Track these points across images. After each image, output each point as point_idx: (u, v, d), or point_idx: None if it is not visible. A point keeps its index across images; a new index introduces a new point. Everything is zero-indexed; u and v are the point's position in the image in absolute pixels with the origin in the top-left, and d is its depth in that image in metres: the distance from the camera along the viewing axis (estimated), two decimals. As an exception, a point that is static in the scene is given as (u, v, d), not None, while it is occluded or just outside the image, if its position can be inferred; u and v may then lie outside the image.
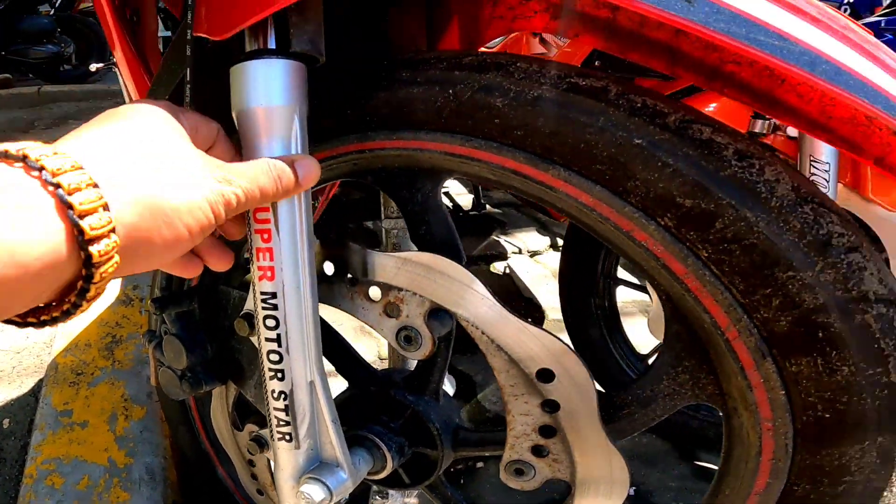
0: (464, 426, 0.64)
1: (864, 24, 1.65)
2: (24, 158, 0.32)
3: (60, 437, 0.97)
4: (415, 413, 0.63)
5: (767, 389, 0.43)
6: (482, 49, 0.91)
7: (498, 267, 1.78)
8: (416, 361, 0.66)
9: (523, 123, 0.47)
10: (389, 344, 0.58)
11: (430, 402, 0.63)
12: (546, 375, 0.48)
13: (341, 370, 0.70)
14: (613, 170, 0.44)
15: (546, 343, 0.48)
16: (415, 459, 0.66)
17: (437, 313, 0.54)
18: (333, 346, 0.70)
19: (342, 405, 0.65)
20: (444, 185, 0.65)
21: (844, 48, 0.37)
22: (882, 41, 1.49)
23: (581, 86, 0.46)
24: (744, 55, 0.38)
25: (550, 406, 0.50)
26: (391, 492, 0.85)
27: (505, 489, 0.67)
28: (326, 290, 0.60)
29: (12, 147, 0.33)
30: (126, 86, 0.81)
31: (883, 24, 1.62)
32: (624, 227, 0.45)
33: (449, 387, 0.84)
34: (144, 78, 0.77)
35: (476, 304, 0.50)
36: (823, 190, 0.91)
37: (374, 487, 0.87)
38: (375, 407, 0.65)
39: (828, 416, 0.42)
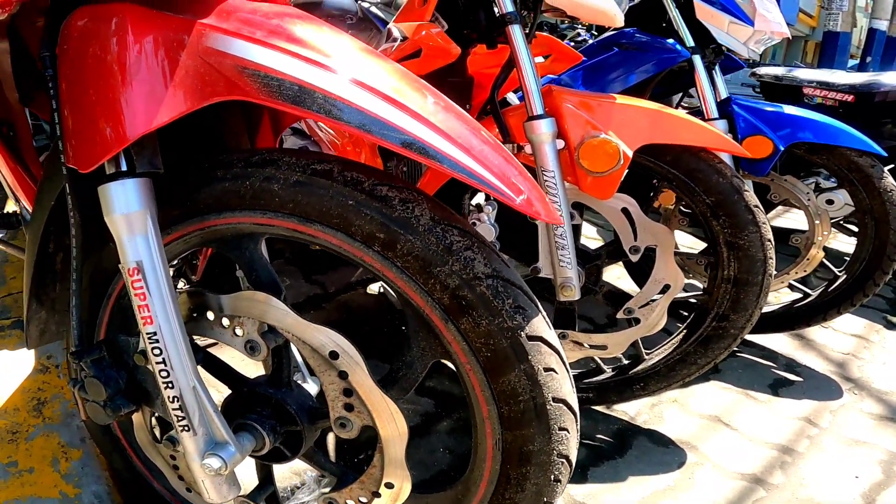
0: (315, 405, 0.89)
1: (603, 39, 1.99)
2: None
3: (12, 484, 1.14)
4: (277, 402, 0.87)
5: (458, 342, 0.69)
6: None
7: (373, 287, 2.05)
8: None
9: (291, 199, 0.73)
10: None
11: (286, 391, 0.88)
12: (333, 355, 0.74)
13: (223, 380, 0.94)
14: (343, 221, 0.70)
15: (329, 335, 0.73)
16: (289, 437, 0.90)
17: (268, 330, 0.79)
18: (215, 365, 0.94)
19: (229, 404, 0.90)
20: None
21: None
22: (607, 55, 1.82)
23: (317, 169, 0.72)
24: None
25: (342, 375, 0.75)
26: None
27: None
28: (195, 325, 0.84)
29: None
30: (13, 191, 1.03)
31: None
32: (357, 255, 0.71)
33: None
34: (28, 181, 0.98)
35: (282, 317, 0.75)
36: (553, 191, 1.19)
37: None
38: (250, 402, 0.90)
39: (489, 354, 0.67)
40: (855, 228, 2.04)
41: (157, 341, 0.75)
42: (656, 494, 1.36)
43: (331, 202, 0.70)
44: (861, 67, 10.43)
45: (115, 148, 0.68)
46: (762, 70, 2.95)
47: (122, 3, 0.70)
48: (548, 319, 0.70)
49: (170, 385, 0.77)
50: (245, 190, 0.76)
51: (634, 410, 1.66)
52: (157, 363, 0.76)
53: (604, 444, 1.52)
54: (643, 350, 1.50)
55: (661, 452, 1.51)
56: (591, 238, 3.02)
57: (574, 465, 0.73)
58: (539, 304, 0.70)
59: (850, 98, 2.56)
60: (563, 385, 0.68)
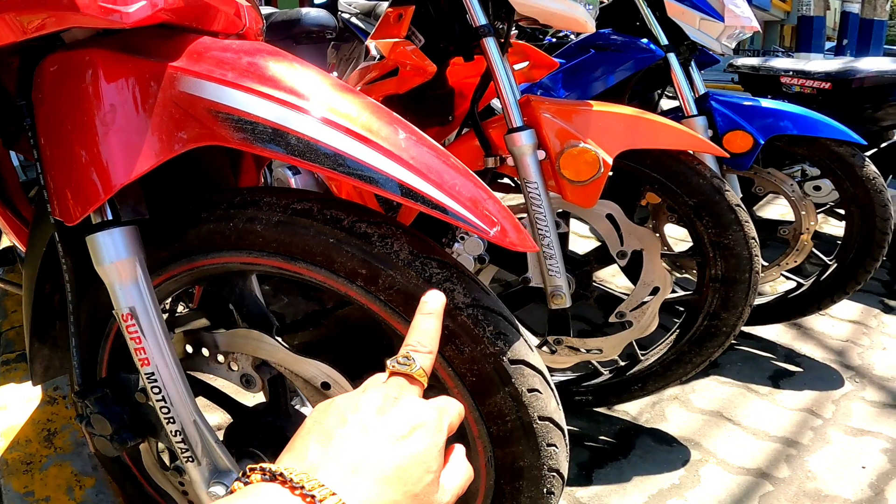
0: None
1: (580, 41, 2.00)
2: (301, 487, 0.34)
3: (31, 512, 1.19)
4: (276, 429, 0.89)
5: (444, 368, 0.70)
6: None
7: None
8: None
9: (275, 239, 0.74)
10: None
11: (284, 419, 0.90)
12: (325, 385, 0.75)
13: (224, 408, 0.96)
14: (326, 258, 0.72)
15: (320, 367, 0.75)
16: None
17: (262, 363, 0.80)
18: (215, 395, 0.95)
19: (230, 432, 0.92)
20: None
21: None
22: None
23: (298, 209, 0.73)
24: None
25: (335, 404, 0.77)
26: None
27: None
28: (192, 362, 0.86)
29: (274, 468, 0.36)
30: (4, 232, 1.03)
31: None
32: (342, 290, 0.72)
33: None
34: (18, 223, 0.99)
35: (273, 352, 0.77)
36: (537, 203, 1.21)
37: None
38: (251, 429, 0.91)
39: (474, 379, 0.69)
40: (843, 212, 2.05)
41: (156, 381, 0.77)
42: (662, 493, 1.37)
43: (313, 241, 0.72)
44: (838, 50, 10.46)
45: (98, 201, 0.69)
46: (740, 61, 2.96)
47: (92, 48, 0.71)
48: (529, 342, 0.72)
49: (171, 420, 0.79)
50: (229, 231, 0.78)
51: (636, 410, 1.68)
52: (158, 401, 0.78)
53: (607, 445, 1.54)
54: (639, 351, 1.52)
55: (665, 451, 1.52)
56: (585, 236, 3.03)
57: (566, 477, 0.74)
58: (520, 328, 0.71)
59: (827, 86, 2.57)
60: (548, 404, 0.70)
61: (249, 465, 0.37)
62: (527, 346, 0.70)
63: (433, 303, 0.52)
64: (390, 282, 0.68)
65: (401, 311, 0.69)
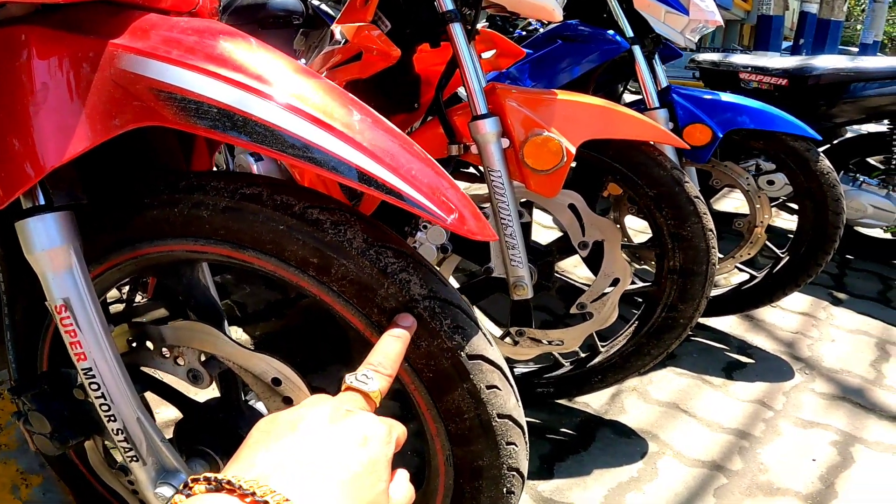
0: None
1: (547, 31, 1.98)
2: (252, 494, 0.31)
3: (-25, 511, 1.12)
4: (229, 426, 0.83)
5: (401, 365, 0.66)
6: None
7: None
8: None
9: (222, 226, 0.69)
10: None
11: (237, 414, 0.84)
12: (276, 381, 0.70)
13: (175, 404, 0.90)
14: (276, 246, 0.66)
15: (270, 362, 0.70)
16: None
17: (211, 358, 0.75)
18: (165, 390, 0.89)
19: (181, 429, 0.86)
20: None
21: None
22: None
23: (247, 194, 0.68)
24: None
25: (286, 401, 0.72)
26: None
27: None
28: (136, 356, 0.80)
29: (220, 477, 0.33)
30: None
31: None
32: (294, 280, 0.67)
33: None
34: None
35: (221, 346, 0.71)
36: (500, 190, 1.17)
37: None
38: (203, 426, 0.86)
39: (431, 375, 0.65)
40: (796, 207, 2.07)
41: (94, 376, 0.71)
42: (622, 487, 1.36)
43: (262, 228, 0.67)
44: (795, 49, 10.69)
45: (27, 183, 0.63)
46: (701, 57, 2.98)
47: (28, 25, 0.65)
48: (489, 336, 0.68)
49: (112, 418, 0.73)
50: (174, 217, 0.72)
51: (596, 402, 1.66)
52: (97, 397, 0.72)
53: (568, 437, 1.52)
54: (599, 343, 1.50)
55: (625, 443, 1.51)
56: (547, 227, 3.02)
57: (526, 477, 0.71)
58: (479, 321, 0.67)
59: (784, 82, 2.60)
60: (507, 401, 0.66)
61: (192, 475, 0.34)
62: (486, 341, 0.66)
63: (401, 327, 0.52)
64: (343, 272, 0.63)
65: (354, 303, 0.64)
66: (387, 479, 0.40)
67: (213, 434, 0.84)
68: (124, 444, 0.74)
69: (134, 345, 0.80)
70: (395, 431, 0.44)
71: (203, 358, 0.76)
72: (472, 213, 0.60)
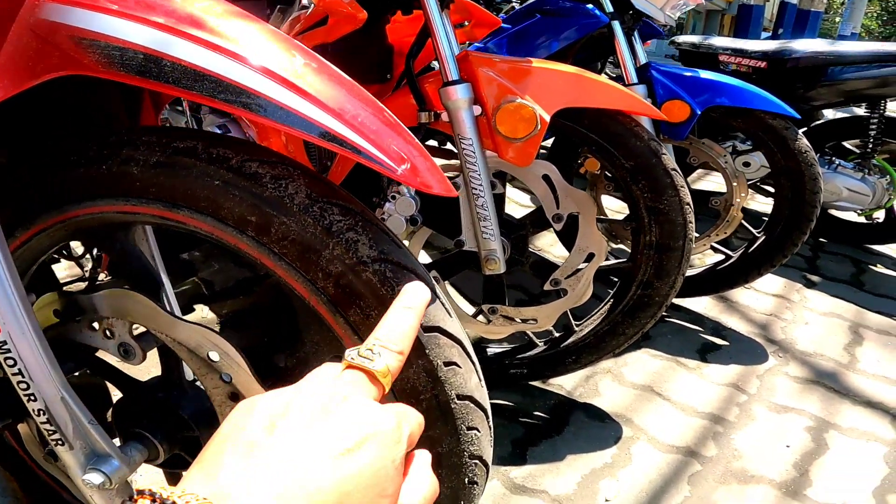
0: (213, 408, 0.78)
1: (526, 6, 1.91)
2: None
3: None
4: (170, 406, 0.76)
5: (349, 337, 0.59)
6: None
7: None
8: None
9: (153, 182, 0.61)
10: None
11: (179, 394, 0.77)
12: (213, 357, 0.63)
13: (114, 383, 0.82)
14: (212, 204, 0.59)
15: (207, 335, 0.62)
16: (189, 443, 0.79)
17: (147, 331, 0.67)
18: (103, 368, 0.81)
19: (119, 410, 0.79)
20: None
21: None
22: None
23: (180, 147, 0.60)
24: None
25: (225, 378, 0.64)
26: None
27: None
28: (64, 329, 0.72)
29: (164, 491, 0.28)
30: None
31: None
32: (232, 242, 0.60)
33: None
34: None
35: (153, 317, 0.64)
36: (472, 159, 1.11)
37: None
38: (142, 407, 0.78)
39: None
40: (771, 189, 2.03)
41: (9, 351, 0.62)
42: (595, 473, 1.31)
43: (195, 183, 0.59)
44: (774, 39, 10.70)
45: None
46: (681, 38, 2.92)
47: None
48: (449, 306, 0.61)
49: (32, 398, 0.65)
50: (102, 175, 0.64)
51: (570, 384, 1.61)
52: (13, 375, 0.64)
53: (541, 421, 1.46)
54: (573, 322, 1.44)
55: (598, 427, 1.46)
56: (524, 205, 2.96)
57: (490, 465, 0.64)
58: (437, 287, 0.60)
59: (762, 64, 2.55)
60: (468, 380, 0.59)
61: (137, 488, 0.27)
62: (444, 311, 0.59)
63: (415, 297, 0.41)
64: (284, 231, 0.56)
65: (297, 267, 0.57)
66: (393, 492, 0.31)
67: (152, 416, 0.77)
68: (47, 427, 0.66)
69: (61, 317, 0.72)
70: (406, 424, 0.34)
71: (137, 331, 0.68)
72: (428, 165, 0.53)
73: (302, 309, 0.62)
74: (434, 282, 0.60)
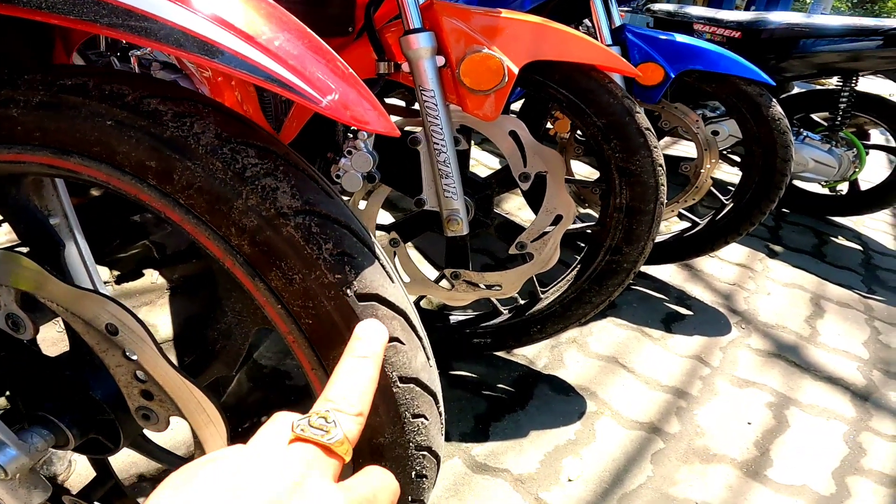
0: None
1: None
2: None
3: None
4: (78, 385, 0.65)
5: (272, 305, 0.49)
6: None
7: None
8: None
9: (38, 126, 0.50)
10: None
11: (89, 372, 0.66)
12: (111, 329, 0.52)
13: (14, 358, 0.70)
14: (105, 148, 0.48)
15: (104, 304, 0.52)
16: (104, 426, 0.68)
17: (32, 300, 0.56)
18: (11, 344, 0.70)
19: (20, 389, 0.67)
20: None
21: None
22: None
23: (68, 85, 0.48)
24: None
25: (127, 354, 0.54)
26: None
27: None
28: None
29: None
30: None
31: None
32: (132, 192, 0.49)
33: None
34: None
35: (41, 283, 0.53)
36: (433, 112, 1.00)
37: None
38: (48, 388, 0.67)
39: (311, 321, 0.48)
40: (738, 159, 1.96)
41: None
42: (559, 450, 1.25)
43: (85, 125, 0.48)
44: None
45: None
46: (656, 6, 2.83)
47: None
48: (390, 267, 0.51)
49: None
50: (-25, 114, 0.52)
51: (534, 354, 1.54)
52: None
53: (505, 394, 1.39)
54: (539, 289, 1.36)
55: (562, 401, 1.39)
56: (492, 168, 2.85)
57: (441, 456, 0.55)
58: (375, 248, 0.50)
59: (737, 34, 2.48)
60: (412, 359, 0.50)
61: None
62: (383, 275, 0.49)
63: (369, 342, 0.34)
64: (189, 177, 0.45)
65: (207, 220, 0.46)
66: None
67: (57, 397, 0.66)
68: (-74, 408, 0.55)
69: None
70: None
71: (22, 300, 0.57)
72: (360, 97, 0.42)
73: (220, 272, 0.52)
74: (372, 241, 0.50)
